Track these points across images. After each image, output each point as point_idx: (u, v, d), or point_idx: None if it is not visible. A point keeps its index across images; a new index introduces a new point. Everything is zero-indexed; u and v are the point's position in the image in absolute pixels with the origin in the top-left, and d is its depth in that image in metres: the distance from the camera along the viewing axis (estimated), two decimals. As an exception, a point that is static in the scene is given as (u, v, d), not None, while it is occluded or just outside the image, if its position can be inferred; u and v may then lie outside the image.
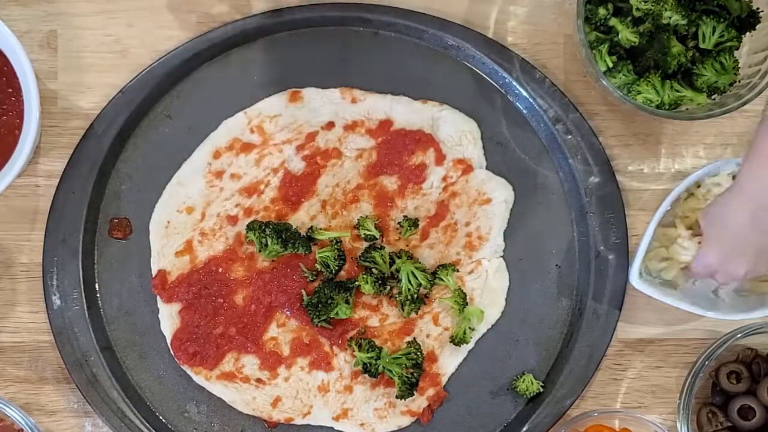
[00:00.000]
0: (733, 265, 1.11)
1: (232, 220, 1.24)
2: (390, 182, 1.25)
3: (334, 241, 1.23)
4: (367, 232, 1.22)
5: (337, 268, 1.22)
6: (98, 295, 1.24)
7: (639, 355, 1.27)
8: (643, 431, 1.23)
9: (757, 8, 1.21)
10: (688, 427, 1.21)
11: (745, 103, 1.17)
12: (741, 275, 1.12)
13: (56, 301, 1.22)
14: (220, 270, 1.23)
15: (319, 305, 1.20)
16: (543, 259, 1.26)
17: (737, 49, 1.22)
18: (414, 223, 1.24)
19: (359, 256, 1.23)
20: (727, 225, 1.10)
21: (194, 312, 1.23)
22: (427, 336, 1.25)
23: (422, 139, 1.25)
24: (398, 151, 1.25)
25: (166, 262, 1.24)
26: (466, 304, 1.24)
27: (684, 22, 1.18)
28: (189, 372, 1.23)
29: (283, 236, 1.20)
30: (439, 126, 1.26)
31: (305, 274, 1.23)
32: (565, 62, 1.27)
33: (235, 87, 1.25)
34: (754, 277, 1.16)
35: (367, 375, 1.22)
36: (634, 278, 1.20)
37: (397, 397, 1.21)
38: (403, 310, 1.23)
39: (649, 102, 1.19)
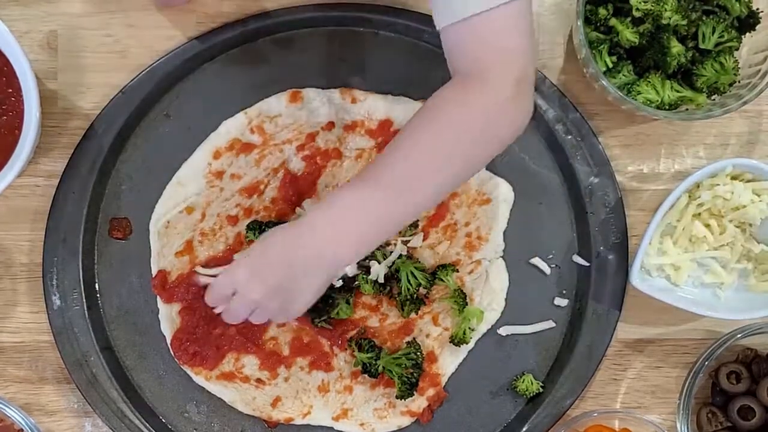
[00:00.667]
0: (251, 286, 1.04)
1: (232, 220, 1.24)
2: (390, 182, 1.25)
3: (334, 241, 1.23)
4: (367, 232, 1.22)
5: (337, 268, 1.22)
6: (98, 295, 1.24)
7: (639, 355, 1.27)
8: (643, 431, 1.23)
9: (757, 8, 1.21)
10: (688, 427, 1.21)
11: (745, 103, 1.17)
12: (252, 300, 1.05)
13: (56, 301, 1.22)
14: (220, 270, 1.23)
15: (319, 305, 1.20)
16: (543, 259, 1.26)
17: (737, 49, 1.22)
18: (414, 223, 1.24)
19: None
20: (270, 247, 1.04)
21: (194, 312, 1.23)
22: (427, 336, 1.25)
23: (422, 139, 1.25)
24: (398, 151, 1.24)
25: (166, 262, 1.24)
26: (466, 304, 1.24)
27: (684, 22, 1.18)
28: (189, 372, 1.23)
29: (283, 236, 1.20)
30: (439, 126, 1.25)
31: (305, 274, 1.23)
32: (565, 62, 1.27)
33: (235, 87, 1.25)
34: (272, 316, 1.08)
35: (367, 375, 1.22)
36: (634, 278, 1.20)
37: (397, 397, 1.21)
38: (402, 310, 1.23)
39: (649, 102, 1.19)
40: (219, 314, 1.12)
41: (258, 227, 1.20)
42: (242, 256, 1.08)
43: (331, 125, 1.25)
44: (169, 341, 1.23)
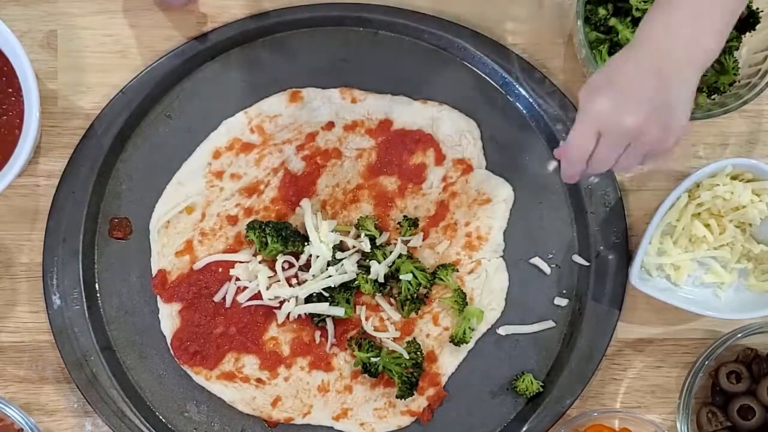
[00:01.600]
0: (623, 111, 0.92)
1: (232, 220, 1.24)
2: (390, 182, 1.25)
3: (334, 241, 1.23)
4: (368, 232, 1.22)
5: (337, 268, 1.22)
6: (98, 295, 1.24)
7: (639, 355, 1.27)
8: (642, 431, 1.23)
9: (757, 8, 1.21)
10: (688, 427, 1.21)
11: (745, 103, 1.17)
12: (626, 130, 0.93)
13: (56, 300, 1.22)
14: (220, 270, 1.23)
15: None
16: (543, 259, 1.26)
17: (737, 49, 1.22)
18: (414, 222, 1.24)
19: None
20: (623, 73, 0.94)
21: (194, 312, 1.23)
22: (427, 336, 1.25)
23: (422, 139, 1.25)
24: (398, 151, 1.25)
25: (166, 262, 1.24)
26: (466, 304, 1.24)
27: (684, 22, 1.18)
28: (189, 372, 1.23)
29: (283, 234, 1.20)
30: (439, 126, 1.26)
31: (305, 274, 1.23)
32: (565, 62, 1.27)
33: (235, 87, 1.25)
34: (647, 155, 0.98)
35: (366, 375, 1.22)
36: (634, 278, 1.20)
37: (396, 396, 1.21)
38: (403, 310, 1.23)
39: (648, 102, 1.19)
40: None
41: (258, 227, 1.20)
42: (588, 92, 0.96)
43: (331, 125, 1.25)
44: (169, 341, 1.23)
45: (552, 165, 1.24)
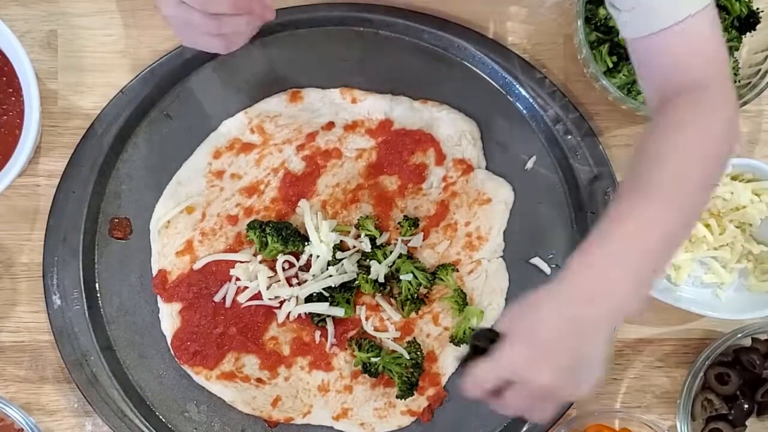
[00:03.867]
0: (538, 370, 0.87)
1: (233, 220, 1.24)
2: (390, 182, 1.25)
3: (334, 241, 1.23)
4: (368, 232, 1.22)
5: (337, 267, 1.22)
6: (98, 294, 1.24)
7: (639, 355, 1.27)
8: (643, 431, 1.23)
9: (757, 8, 1.21)
10: (688, 427, 1.21)
11: (745, 104, 1.17)
12: (538, 387, 0.88)
13: (56, 300, 1.22)
14: (221, 270, 1.23)
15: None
16: (543, 259, 1.26)
17: (737, 49, 1.22)
18: (414, 222, 1.24)
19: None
20: (545, 323, 0.89)
21: (194, 312, 1.23)
22: (427, 336, 1.25)
23: (422, 139, 1.25)
24: (398, 151, 1.25)
25: (166, 262, 1.24)
26: (466, 304, 1.24)
27: (684, 22, 1.18)
28: (189, 371, 1.23)
29: (283, 234, 1.20)
30: (439, 126, 1.26)
31: (305, 274, 1.23)
32: (565, 62, 1.27)
33: (235, 87, 1.25)
34: (569, 397, 0.94)
35: (367, 375, 1.22)
36: (634, 278, 1.20)
37: (397, 396, 1.21)
38: (403, 310, 1.23)
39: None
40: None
41: (258, 227, 1.20)
42: (509, 336, 0.90)
43: (331, 125, 1.25)
44: (169, 341, 1.23)
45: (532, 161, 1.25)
